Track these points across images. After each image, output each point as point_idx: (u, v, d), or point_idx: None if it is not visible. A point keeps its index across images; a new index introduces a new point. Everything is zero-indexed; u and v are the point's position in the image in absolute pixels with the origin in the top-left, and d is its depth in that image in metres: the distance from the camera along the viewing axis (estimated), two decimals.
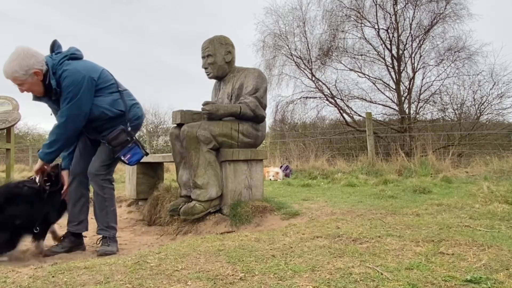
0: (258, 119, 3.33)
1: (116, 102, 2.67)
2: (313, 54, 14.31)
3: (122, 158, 2.64)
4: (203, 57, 3.52)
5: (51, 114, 2.77)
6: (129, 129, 2.69)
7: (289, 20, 14.40)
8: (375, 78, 13.94)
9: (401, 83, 13.71)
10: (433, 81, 13.36)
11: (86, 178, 2.75)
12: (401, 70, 13.69)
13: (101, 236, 2.73)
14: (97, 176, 2.68)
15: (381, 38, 13.68)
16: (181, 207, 3.12)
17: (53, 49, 2.62)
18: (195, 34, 47.60)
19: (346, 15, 13.75)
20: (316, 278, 1.44)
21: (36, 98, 2.65)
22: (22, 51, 2.43)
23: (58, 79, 2.48)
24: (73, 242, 2.72)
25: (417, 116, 13.62)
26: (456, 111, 13.27)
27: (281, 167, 7.08)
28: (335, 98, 14.17)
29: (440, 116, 13.61)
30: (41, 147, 2.62)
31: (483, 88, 12.46)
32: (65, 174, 2.74)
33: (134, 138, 2.69)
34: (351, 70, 14.17)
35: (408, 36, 13.37)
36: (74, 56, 2.60)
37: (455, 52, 12.90)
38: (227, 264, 1.67)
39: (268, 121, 14.17)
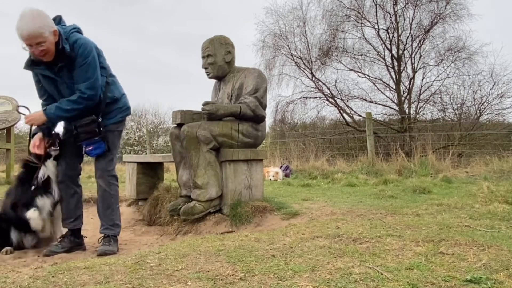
0: (258, 119, 3.33)
1: (109, 87, 2.67)
2: (313, 54, 14.30)
3: (84, 147, 2.59)
4: (203, 57, 3.52)
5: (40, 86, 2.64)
6: (100, 120, 2.62)
7: (289, 20, 14.39)
8: (375, 78, 13.94)
9: (401, 83, 13.69)
10: (433, 81, 13.36)
11: (76, 175, 2.77)
12: (401, 70, 13.68)
13: (102, 235, 2.73)
14: (106, 172, 2.71)
15: (381, 38, 13.68)
16: (181, 207, 3.12)
17: (58, 22, 2.57)
18: (195, 34, 47.71)
19: (346, 15, 13.74)
20: (316, 278, 1.44)
21: (28, 66, 2.56)
22: (37, 11, 2.35)
23: (72, 45, 2.46)
24: (73, 242, 2.72)
25: (417, 116, 13.61)
26: (456, 111, 13.27)
27: (281, 167, 7.08)
28: (335, 98, 14.16)
29: (440, 116, 13.61)
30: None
31: (483, 88, 12.46)
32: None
33: (102, 132, 2.58)
34: (351, 70, 14.16)
35: (408, 36, 13.36)
36: (80, 31, 2.62)
37: (455, 52, 12.88)
38: (227, 264, 1.67)
39: (268, 121, 14.18)
